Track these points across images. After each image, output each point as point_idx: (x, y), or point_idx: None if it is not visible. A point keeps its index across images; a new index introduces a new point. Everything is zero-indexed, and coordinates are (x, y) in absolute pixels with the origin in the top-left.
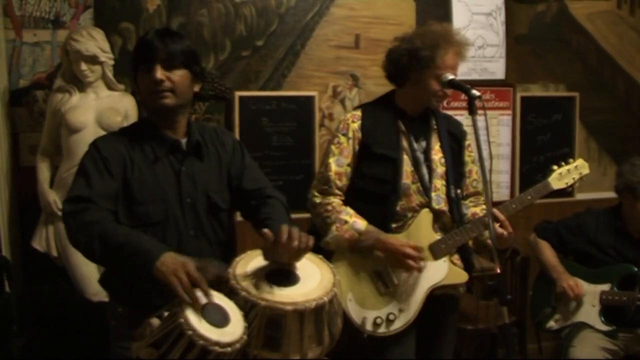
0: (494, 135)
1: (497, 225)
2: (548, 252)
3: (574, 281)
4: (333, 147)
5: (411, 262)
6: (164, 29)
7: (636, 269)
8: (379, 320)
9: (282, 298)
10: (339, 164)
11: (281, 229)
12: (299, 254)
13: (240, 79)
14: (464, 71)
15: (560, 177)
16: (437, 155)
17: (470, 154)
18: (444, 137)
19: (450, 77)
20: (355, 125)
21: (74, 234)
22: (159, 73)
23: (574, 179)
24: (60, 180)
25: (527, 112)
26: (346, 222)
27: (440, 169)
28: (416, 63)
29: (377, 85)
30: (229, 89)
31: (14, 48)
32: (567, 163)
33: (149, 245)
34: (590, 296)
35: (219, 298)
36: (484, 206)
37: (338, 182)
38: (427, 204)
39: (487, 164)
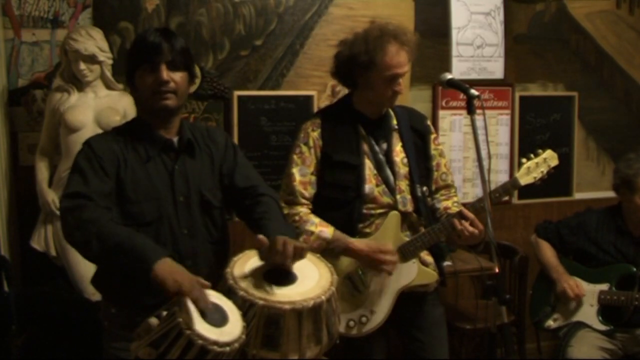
0: (493, 135)
1: (467, 223)
2: (548, 253)
3: (574, 281)
4: (295, 157)
5: (385, 267)
6: (165, 29)
7: (635, 269)
8: (351, 323)
9: (280, 297)
10: (302, 174)
11: (276, 240)
12: (293, 260)
13: (239, 79)
14: (463, 70)
15: (528, 171)
16: (398, 156)
17: (437, 147)
18: (406, 135)
19: (449, 76)
20: (316, 134)
21: (72, 231)
22: (165, 74)
23: (542, 172)
24: (59, 179)
25: (526, 112)
26: (312, 232)
27: (403, 170)
28: (359, 69)
29: None
30: (228, 88)
31: (13, 47)
32: (535, 155)
33: (147, 249)
34: (588, 296)
35: (217, 298)
36: (455, 198)
37: (304, 192)
38: (394, 205)
39: (485, 163)
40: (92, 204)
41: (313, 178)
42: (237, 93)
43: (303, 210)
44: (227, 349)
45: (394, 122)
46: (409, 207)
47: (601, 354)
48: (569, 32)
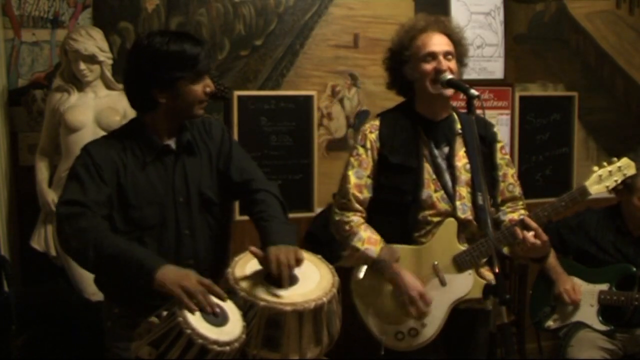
0: None
1: (530, 234)
2: None
3: (572, 285)
4: (352, 159)
5: (413, 310)
6: (191, 35)
7: (635, 269)
8: (400, 336)
9: (281, 299)
10: (358, 176)
11: (269, 258)
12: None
13: (239, 79)
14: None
15: (600, 180)
16: (461, 161)
17: (504, 157)
18: (470, 141)
19: (449, 76)
20: (373, 136)
21: (68, 239)
22: (211, 83)
23: (616, 181)
24: (59, 179)
25: (526, 112)
26: (357, 249)
27: (464, 176)
28: (401, 67)
29: (376, 85)
30: (228, 88)
31: (13, 47)
32: (609, 163)
33: (146, 259)
34: (588, 296)
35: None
36: (522, 211)
37: (358, 195)
38: (452, 213)
39: None
40: (90, 212)
41: (369, 181)
42: (237, 93)
43: (355, 219)
44: (227, 348)
45: (458, 126)
46: (469, 215)
47: (601, 354)
48: (569, 32)
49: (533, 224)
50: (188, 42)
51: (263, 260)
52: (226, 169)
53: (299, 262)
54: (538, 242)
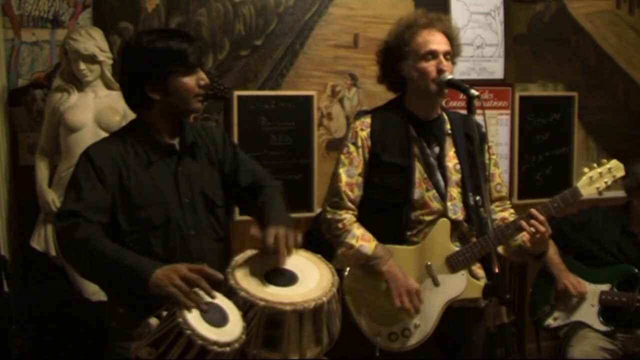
0: (493, 135)
1: (537, 223)
2: (550, 249)
3: (576, 279)
4: (343, 157)
5: (405, 307)
6: (180, 31)
7: (636, 270)
8: (393, 337)
9: (281, 298)
10: (349, 175)
11: (267, 232)
12: (288, 252)
13: (239, 79)
14: (463, 70)
15: (591, 181)
16: (451, 162)
17: (491, 157)
18: (460, 141)
19: (449, 76)
20: (364, 134)
21: (67, 252)
22: (205, 77)
23: (606, 183)
24: (58, 179)
25: (525, 112)
26: (352, 246)
27: (455, 176)
28: (398, 62)
29: (376, 85)
30: (228, 88)
31: (13, 47)
32: (599, 164)
33: (139, 266)
34: (589, 296)
35: (217, 298)
36: (511, 210)
37: (350, 194)
38: (444, 212)
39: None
40: (84, 222)
41: (360, 180)
42: (237, 93)
43: (347, 217)
44: (227, 349)
45: (448, 126)
46: (460, 216)
47: (601, 354)
48: (569, 32)
49: (540, 216)
50: (175, 39)
51: (263, 240)
52: (234, 175)
53: (297, 244)
54: (547, 232)
